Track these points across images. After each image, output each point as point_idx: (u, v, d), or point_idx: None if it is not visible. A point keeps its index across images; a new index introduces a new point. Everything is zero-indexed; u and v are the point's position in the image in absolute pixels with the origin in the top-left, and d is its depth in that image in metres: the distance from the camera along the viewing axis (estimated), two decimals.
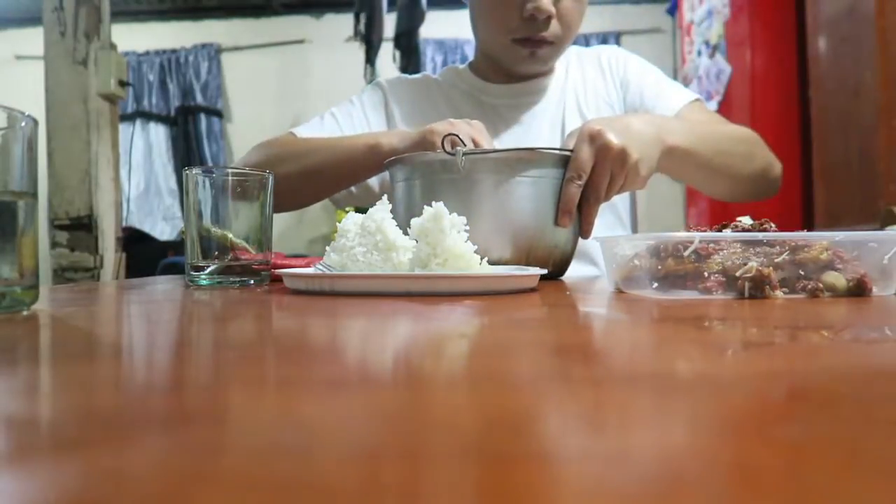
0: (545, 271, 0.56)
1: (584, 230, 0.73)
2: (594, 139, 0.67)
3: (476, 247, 0.53)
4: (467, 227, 0.53)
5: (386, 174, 0.99)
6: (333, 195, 1.00)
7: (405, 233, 0.54)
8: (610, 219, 1.00)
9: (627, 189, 0.72)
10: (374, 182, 1.00)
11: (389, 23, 3.31)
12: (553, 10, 0.87)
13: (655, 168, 0.75)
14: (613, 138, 0.67)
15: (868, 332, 0.31)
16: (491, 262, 0.57)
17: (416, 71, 2.94)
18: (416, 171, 0.71)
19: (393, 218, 0.55)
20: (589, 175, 0.68)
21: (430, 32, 3.70)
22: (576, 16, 0.91)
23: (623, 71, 1.03)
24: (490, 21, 0.92)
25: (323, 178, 0.88)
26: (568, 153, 0.69)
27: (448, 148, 0.70)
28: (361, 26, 3.14)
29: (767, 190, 0.96)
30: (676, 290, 0.46)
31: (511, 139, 0.98)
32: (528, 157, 0.67)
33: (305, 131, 0.98)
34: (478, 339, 0.30)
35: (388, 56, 3.60)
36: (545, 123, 1.00)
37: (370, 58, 3.29)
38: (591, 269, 0.97)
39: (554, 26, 0.89)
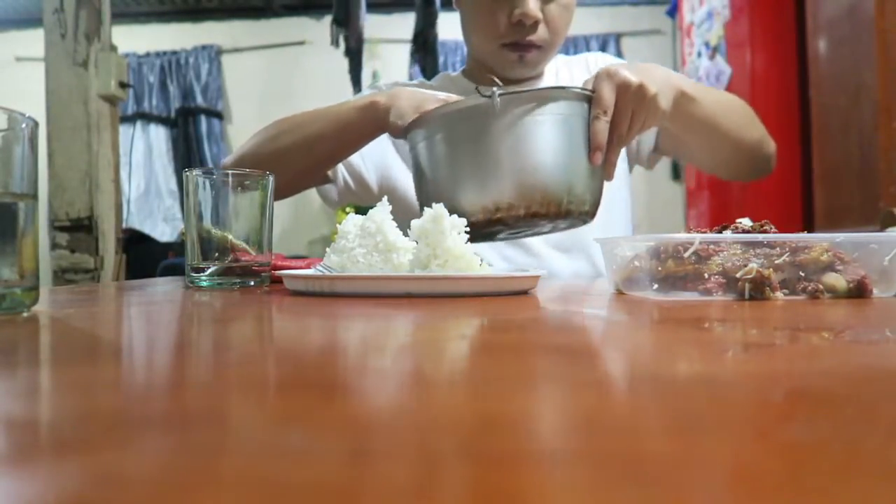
0: (545, 272, 0.56)
1: (607, 172, 0.73)
2: (612, 77, 0.69)
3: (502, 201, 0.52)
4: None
5: (386, 171, 0.99)
6: (332, 196, 0.99)
7: (431, 203, 0.53)
8: (608, 219, 1.00)
9: (648, 126, 0.74)
10: (372, 181, 0.99)
11: (381, 25, 3.29)
12: (540, 15, 0.88)
13: (670, 111, 0.76)
14: (631, 76, 0.70)
15: (868, 334, 0.31)
16: (530, 212, 0.57)
17: (435, 69, 2.94)
18: (438, 127, 0.69)
19: (417, 195, 0.53)
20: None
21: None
22: (563, 21, 0.93)
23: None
24: (479, 27, 0.94)
25: (320, 146, 0.87)
26: (591, 93, 0.69)
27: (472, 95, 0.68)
28: (341, 37, 3.13)
29: (764, 166, 0.97)
30: (677, 292, 0.46)
31: None
32: (556, 96, 0.66)
33: None
34: (478, 339, 0.30)
35: (377, 60, 3.59)
36: None
37: (354, 68, 3.26)
38: (586, 265, 0.97)
39: (541, 31, 0.90)
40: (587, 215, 0.70)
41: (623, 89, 0.69)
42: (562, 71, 1.06)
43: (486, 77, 1.01)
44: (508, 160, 0.64)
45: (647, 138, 1.03)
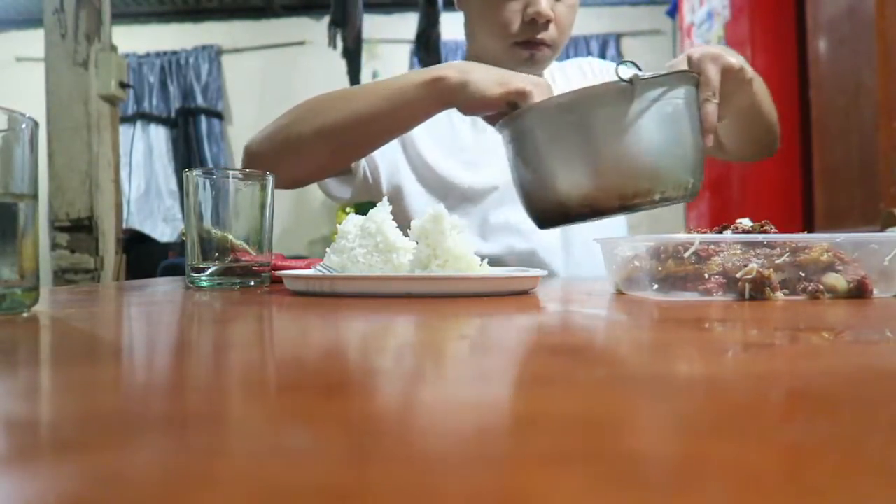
0: (545, 272, 0.56)
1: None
2: (717, 60, 0.71)
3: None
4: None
5: (396, 176, 0.98)
6: (344, 191, 0.96)
7: (553, 191, 0.53)
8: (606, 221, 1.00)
9: (738, 106, 0.76)
10: (384, 183, 0.98)
11: (381, 25, 3.29)
12: (552, 13, 0.89)
13: None
14: (732, 59, 0.72)
15: (868, 334, 0.31)
16: (665, 196, 0.61)
17: None
18: (570, 110, 0.66)
19: (528, 184, 0.52)
20: None
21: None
22: (569, 20, 0.94)
23: (606, 75, 1.05)
24: (489, 25, 0.94)
25: (372, 125, 0.80)
26: (694, 74, 0.69)
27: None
28: (338, 38, 3.12)
29: (775, 145, 1.00)
30: (677, 292, 0.46)
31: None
32: (681, 80, 0.66)
33: None
34: (478, 340, 0.30)
35: (377, 60, 3.59)
36: None
37: (352, 69, 3.25)
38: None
39: (552, 30, 0.92)
40: (697, 194, 0.71)
41: (726, 72, 0.71)
42: (557, 77, 1.07)
43: None
44: (646, 145, 0.64)
45: None
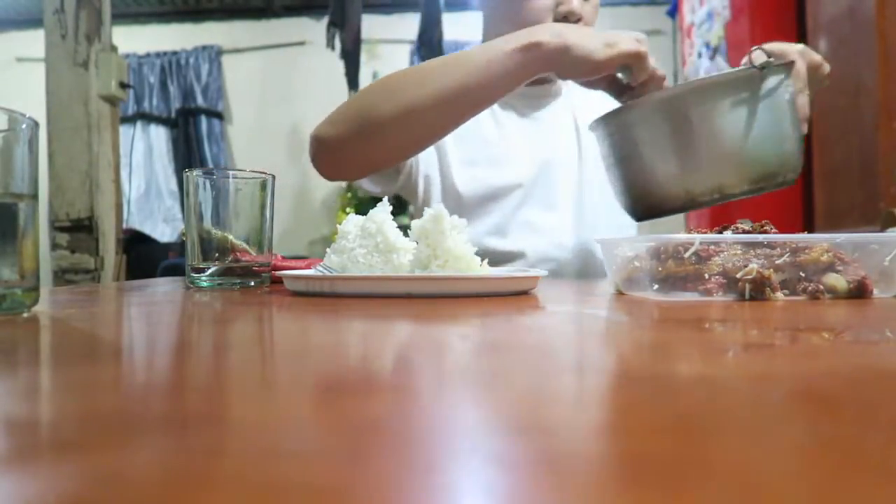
0: (545, 273, 0.56)
1: None
2: (804, 55, 0.73)
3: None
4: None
5: (428, 182, 0.96)
6: (389, 181, 0.93)
7: (675, 179, 0.57)
8: (623, 221, 1.01)
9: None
10: (420, 186, 0.96)
11: (381, 25, 3.29)
12: (582, 12, 0.90)
13: None
14: (817, 56, 0.76)
15: (869, 334, 0.31)
16: (786, 180, 0.66)
17: None
18: (699, 97, 0.67)
19: (640, 174, 0.59)
20: None
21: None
22: (594, 22, 0.95)
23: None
24: (521, 22, 0.92)
25: (461, 98, 0.75)
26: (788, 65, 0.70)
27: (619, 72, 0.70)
28: (336, 39, 3.11)
29: None
30: (677, 292, 0.46)
31: (528, 136, 1.00)
32: (789, 70, 0.68)
33: None
34: (478, 340, 0.30)
35: (377, 61, 3.59)
36: (558, 123, 1.02)
37: (350, 70, 3.25)
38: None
39: None
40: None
41: (812, 68, 0.75)
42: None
43: None
44: (774, 129, 0.66)
45: None
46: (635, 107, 0.70)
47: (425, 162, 0.97)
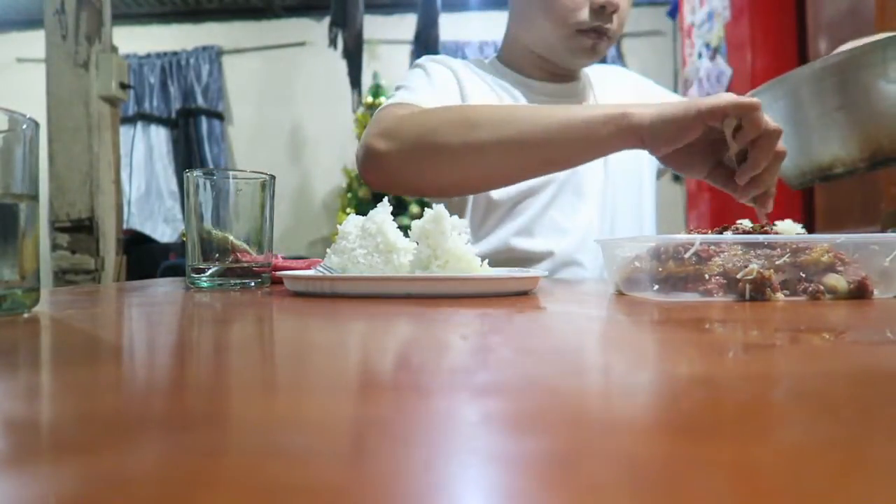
0: (546, 273, 0.56)
1: None
2: None
3: None
4: None
5: None
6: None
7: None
8: (634, 223, 1.01)
9: None
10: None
11: (381, 25, 3.30)
12: (619, 3, 0.90)
13: None
14: None
15: (869, 335, 0.31)
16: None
17: None
18: (814, 80, 0.67)
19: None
20: None
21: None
22: (627, 14, 0.94)
23: (641, 82, 1.08)
24: (556, 11, 0.92)
25: (546, 148, 0.73)
26: None
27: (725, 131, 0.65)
28: (340, 38, 3.12)
29: None
30: (677, 293, 0.46)
31: None
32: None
33: (425, 98, 0.85)
34: (478, 341, 0.30)
35: (377, 61, 3.59)
36: None
37: (352, 69, 3.25)
38: (580, 271, 0.97)
39: (615, 20, 0.92)
40: None
41: None
42: (593, 77, 1.07)
43: (532, 66, 1.00)
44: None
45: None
46: (789, 77, 0.71)
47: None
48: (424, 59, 1.00)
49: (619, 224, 0.99)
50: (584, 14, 0.90)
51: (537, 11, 0.95)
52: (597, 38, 0.92)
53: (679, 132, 0.67)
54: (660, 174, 1.11)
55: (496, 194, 0.94)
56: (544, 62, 0.99)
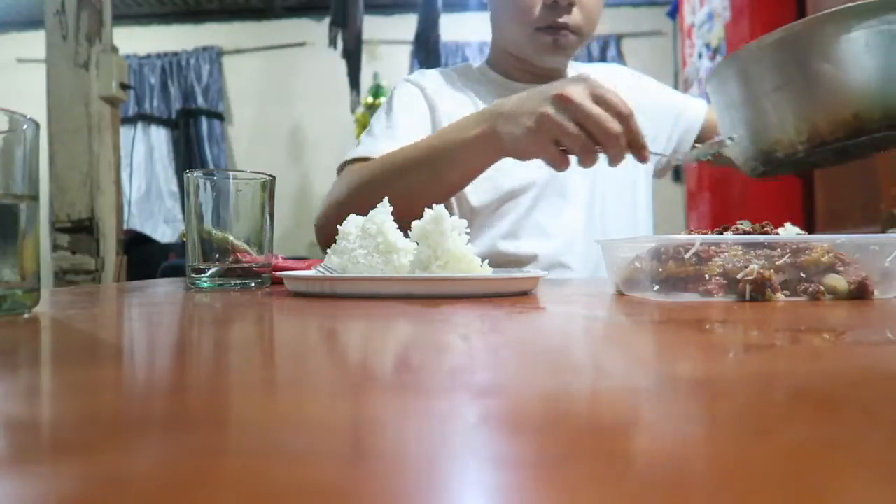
0: (546, 273, 0.56)
1: None
2: None
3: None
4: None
5: None
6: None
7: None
8: (628, 224, 1.00)
9: None
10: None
11: (381, 26, 3.29)
12: None
13: None
14: None
15: (869, 335, 0.31)
16: None
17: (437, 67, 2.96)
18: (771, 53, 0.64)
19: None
20: None
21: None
22: (596, 8, 0.94)
23: (647, 84, 1.08)
24: (513, 12, 0.93)
25: (441, 181, 0.80)
26: None
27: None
28: (340, 38, 3.12)
29: None
30: (677, 293, 0.46)
31: None
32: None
33: (383, 147, 0.90)
34: (478, 341, 0.30)
35: (377, 62, 3.58)
36: None
37: (352, 70, 3.25)
38: (567, 272, 0.97)
39: (576, 14, 0.91)
40: None
41: None
42: (593, 72, 1.06)
43: (515, 69, 1.01)
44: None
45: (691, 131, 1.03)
46: (740, 55, 0.67)
47: None
48: (397, 87, 1.03)
49: (611, 225, 0.99)
50: (537, 11, 0.90)
51: (502, 13, 0.96)
52: (555, 34, 0.91)
53: (529, 152, 0.71)
54: (658, 174, 1.10)
55: (475, 201, 0.94)
56: (522, 63, 0.99)
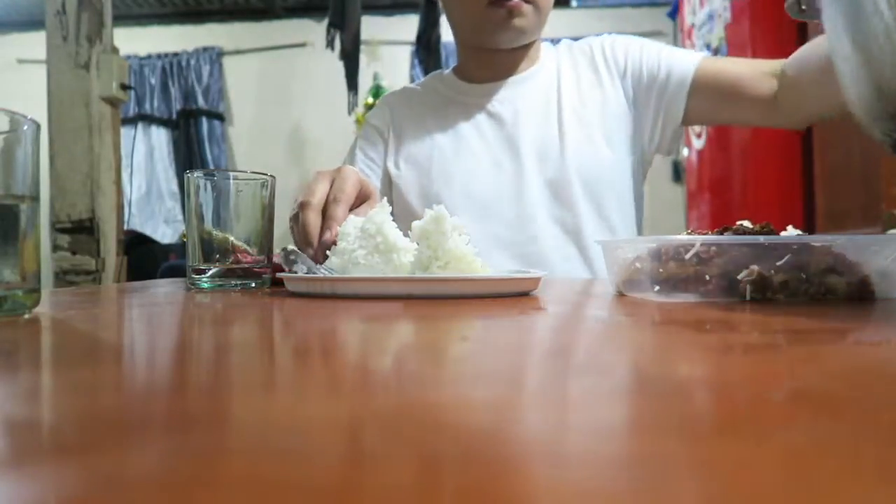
0: (547, 273, 0.56)
1: None
2: None
3: None
4: None
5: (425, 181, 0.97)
6: None
7: None
8: (624, 227, 0.98)
9: None
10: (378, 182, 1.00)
11: (382, 26, 3.29)
12: None
13: None
14: None
15: (870, 336, 0.31)
16: None
17: (438, 68, 2.95)
18: None
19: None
20: None
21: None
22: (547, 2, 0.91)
23: (622, 61, 0.99)
24: (458, 12, 0.92)
25: None
26: None
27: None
28: (337, 40, 3.12)
29: None
30: (678, 293, 0.46)
31: (500, 135, 0.97)
32: None
33: None
34: (479, 341, 0.30)
35: (378, 62, 3.58)
36: (534, 118, 0.97)
37: (349, 71, 3.25)
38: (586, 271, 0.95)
39: None
40: None
41: None
42: (563, 62, 1.01)
43: (475, 67, 0.99)
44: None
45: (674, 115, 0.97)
46: None
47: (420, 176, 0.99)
48: (365, 120, 1.08)
49: (589, 231, 0.94)
50: None
51: (452, 8, 0.95)
52: (510, 5, 0.88)
53: None
54: (644, 167, 1.05)
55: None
56: (482, 53, 0.97)
